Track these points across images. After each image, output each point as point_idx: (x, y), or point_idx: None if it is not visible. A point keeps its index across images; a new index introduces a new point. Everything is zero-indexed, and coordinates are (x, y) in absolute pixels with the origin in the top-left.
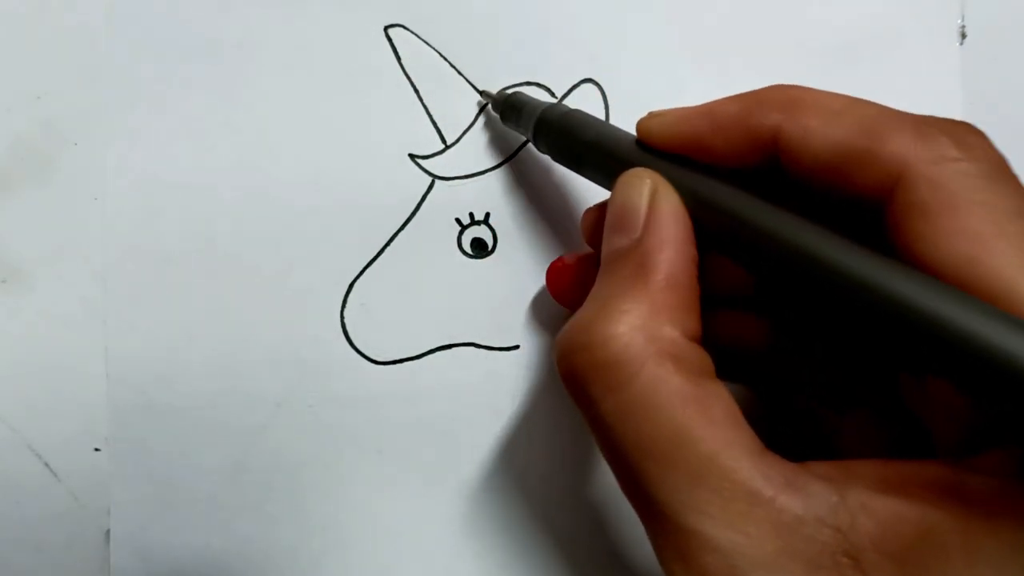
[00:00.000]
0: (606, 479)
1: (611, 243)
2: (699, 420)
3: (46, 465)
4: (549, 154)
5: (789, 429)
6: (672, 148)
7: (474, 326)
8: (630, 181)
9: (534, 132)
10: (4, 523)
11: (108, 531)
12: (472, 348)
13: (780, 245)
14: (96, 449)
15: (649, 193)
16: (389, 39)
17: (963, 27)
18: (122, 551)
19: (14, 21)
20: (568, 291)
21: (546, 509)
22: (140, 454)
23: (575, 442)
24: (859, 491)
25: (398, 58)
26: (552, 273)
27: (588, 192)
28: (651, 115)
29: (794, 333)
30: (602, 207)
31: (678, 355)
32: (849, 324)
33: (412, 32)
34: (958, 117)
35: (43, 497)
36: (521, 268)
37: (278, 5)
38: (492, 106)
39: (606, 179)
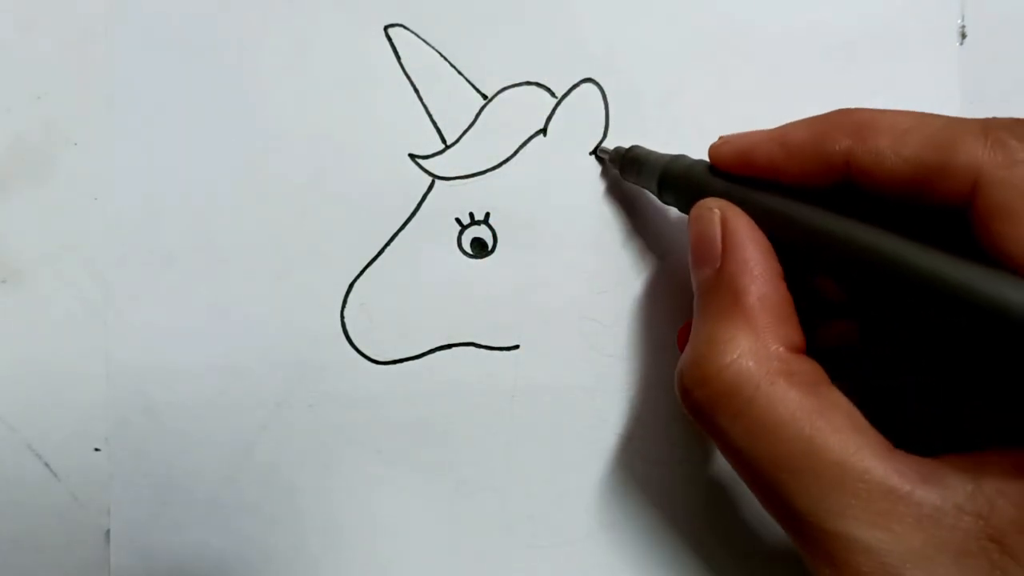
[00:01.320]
0: (605, 478)
1: (697, 276)
2: (824, 428)
3: (46, 465)
4: (677, 207)
5: (912, 429)
6: (747, 172)
7: (474, 326)
8: (700, 214)
9: (659, 187)
10: (4, 523)
11: (108, 531)
12: (472, 348)
13: (852, 252)
14: (96, 449)
15: (720, 220)
16: (389, 39)
17: (963, 27)
18: (122, 551)
19: (14, 21)
20: None
21: (546, 509)
22: (140, 454)
23: (575, 441)
24: (993, 478)
25: (398, 58)
26: (683, 334)
27: (589, 191)
28: (722, 140)
29: (886, 333)
30: None
31: (789, 370)
32: (939, 322)
33: (412, 32)
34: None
35: (43, 497)
36: (521, 268)
37: (278, 5)
38: (610, 161)
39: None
